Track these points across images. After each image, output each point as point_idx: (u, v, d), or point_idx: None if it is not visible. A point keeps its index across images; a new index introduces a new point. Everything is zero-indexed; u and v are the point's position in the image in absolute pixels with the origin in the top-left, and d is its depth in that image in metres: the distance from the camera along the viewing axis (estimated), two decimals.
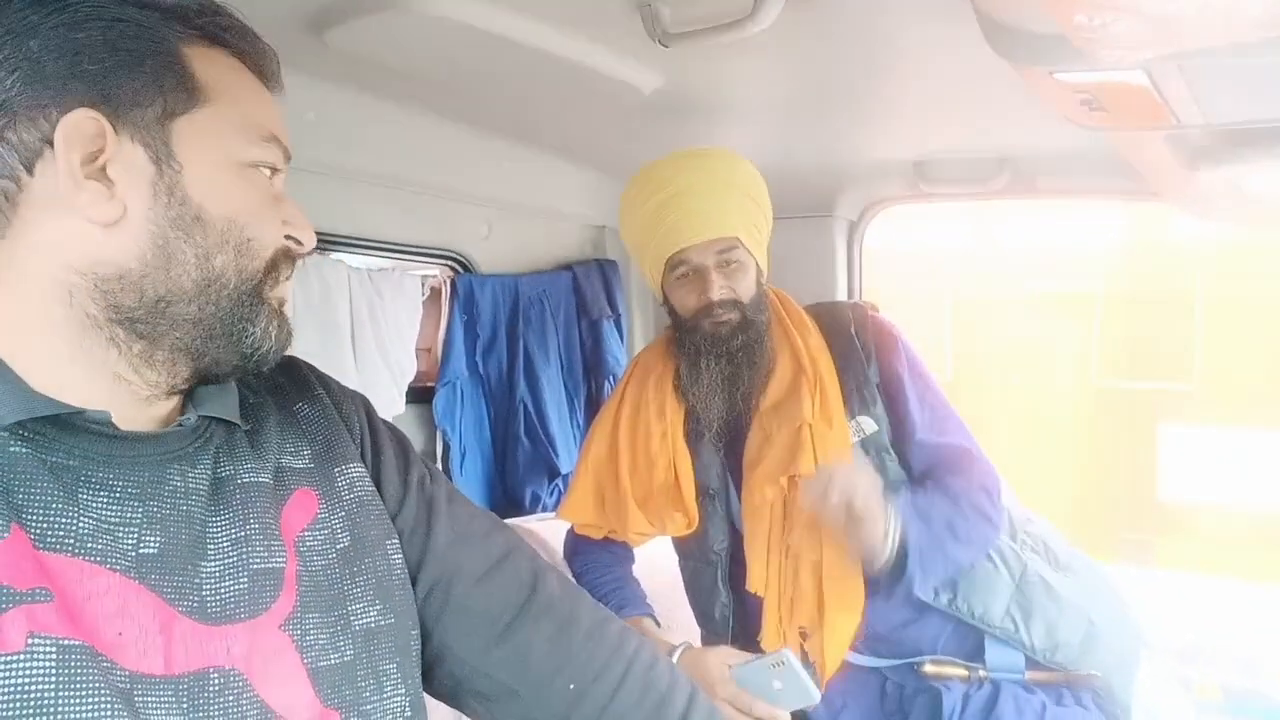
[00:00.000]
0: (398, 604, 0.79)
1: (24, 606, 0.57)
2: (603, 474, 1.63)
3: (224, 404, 0.74)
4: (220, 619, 0.66)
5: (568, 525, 1.70)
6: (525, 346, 2.23)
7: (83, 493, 0.63)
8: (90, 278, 0.64)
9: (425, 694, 0.82)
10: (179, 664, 0.63)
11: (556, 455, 2.23)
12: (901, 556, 1.35)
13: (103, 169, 0.63)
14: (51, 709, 0.56)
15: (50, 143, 0.62)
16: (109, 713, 0.58)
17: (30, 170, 0.63)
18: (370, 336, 1.93)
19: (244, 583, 0.69)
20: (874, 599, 1.43)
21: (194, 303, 0.67)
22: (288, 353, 0.77)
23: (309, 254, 0.77)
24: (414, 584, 0.82)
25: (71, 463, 0.64)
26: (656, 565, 1.69)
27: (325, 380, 0.89)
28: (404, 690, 0.76)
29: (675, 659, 1.36)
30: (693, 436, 1.57)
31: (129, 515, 0.65)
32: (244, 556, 0.70)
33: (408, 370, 2.04)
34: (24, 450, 0.62)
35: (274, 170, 0.73)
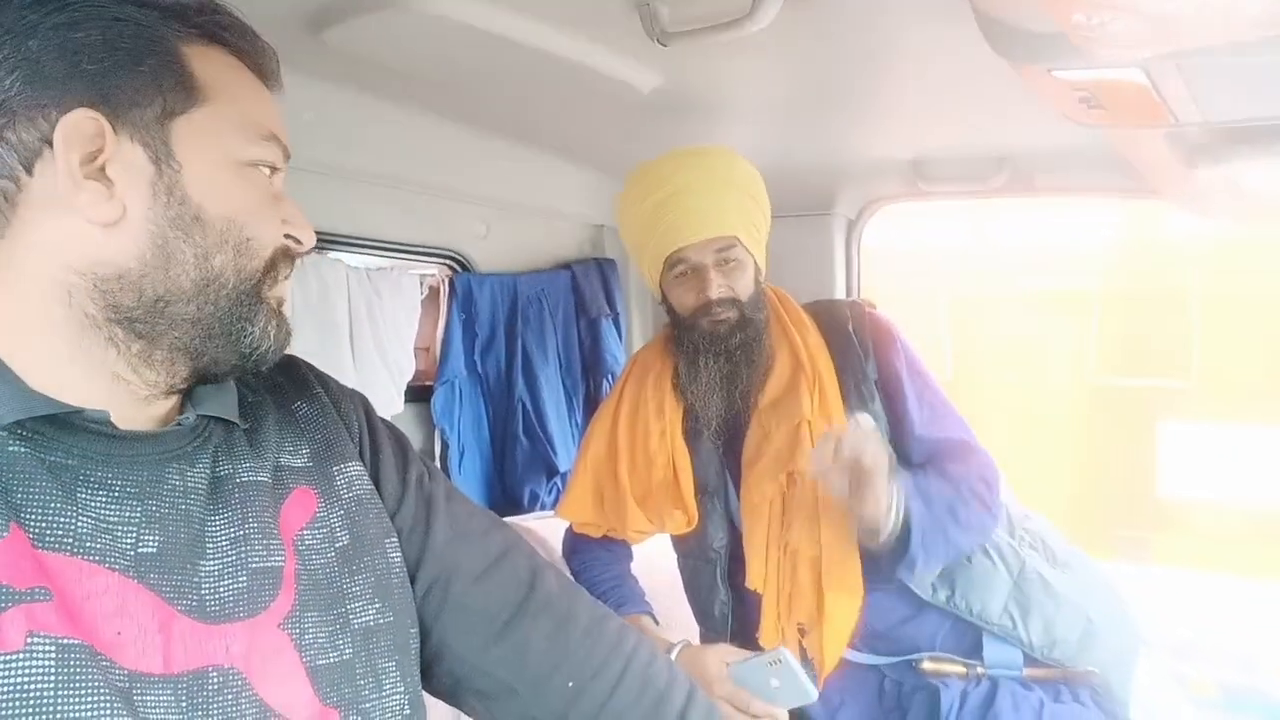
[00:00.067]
0: (396, 602, 0.79)
1: (23, 606, 0.57)
2: (601, 472, 1.63)
3: (223, 403, 0.74)
4: (219, 618, 0.66)
5: (566, 524, 1.70)
6: (524, 345, 2.23)
7: (81, 492, 0.63)
8: (89, 278, 0.64)
9: (424, 692, 0.82)
10: (178, 663, 0.63)
11: (555, 454, 2.23)
12: (904, 534, 1.34)
13: (102, 169, 0.63)
14: (51, 708, 0.56)
15: (49, 143, 0.62)
16: (108, 712, 0.58)
17: (29, 170, 0.63)
18: (368, 335, 1.93)
19: (243, 581, 0.69)
20: (873, 594, 1.43)
21: (193, 302, 0.67)
22: (286, 352, 0.77)
23: (308, 253, 0.77)
24: (413, 582, 0.82)
25: (70, 462, 0.64)
26: (655, 563, 1.69)
27: (324, 379, 0.89)
28: (403, 688, 0.76)
29: (673, 657, 1.35)
30: (691, 434, 1.58)
31: (128, 514, 0.65)
32: (243, 555, 0.70)
33: (406, 369, 2.04)
34: (23, 449, 0.62)
35: (273, 169, 0.73)
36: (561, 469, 2.22)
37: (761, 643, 1.44)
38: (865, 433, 1.30)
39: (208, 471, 0.71)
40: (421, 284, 2.13)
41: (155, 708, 0.61)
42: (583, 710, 0.85)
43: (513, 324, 2.21)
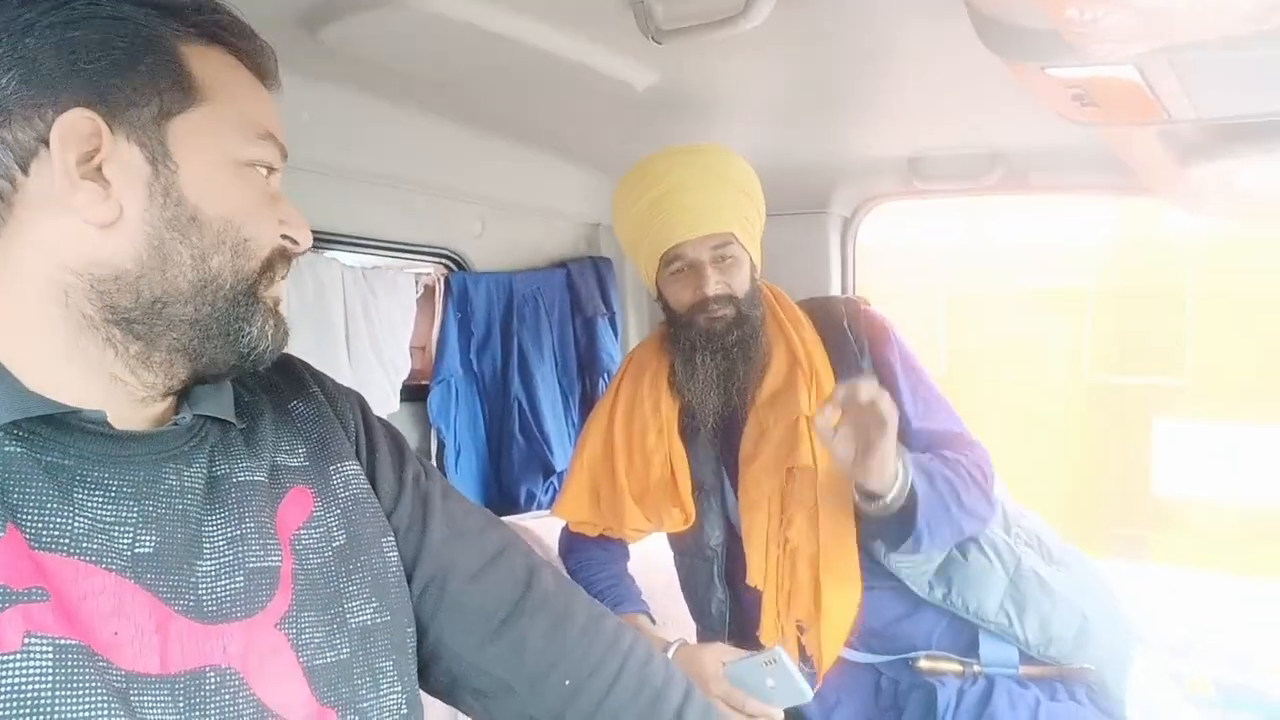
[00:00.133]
0: (393, 601, 0.79)
1: (20, 606, 0.57)
2: (598, 471, 1.63)
3: (219, 403, 0.74)
4: (216, 618, 0.66)
5: (563, 523, 1.70)
6: (519, 344, 2.23)
7: (78, 492, 0.63)
8: (86, 278, 0.64)
9: (421, 691, 0.82)
10: (175, 663, 0.63)
11: (551, 453, 2.23)
12: (911, 505, 1.32)
13: (98, 169, 0.63)
14: (48, 708, 0.56)
15: (46, 142, 0.62)
16: (105, 712, 0.58)
17: (25, 170, 0.63)
18: (364, 334, 1.93)
19: (240, 581, 0.69)
20: (869, 592, 1.43)
21: (190, 303, 0.67)
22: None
23: (304, 253, 0.77)
24: (409, 581, 0.82)
25: (67, 462, 0.64)
26: (652, 562, 1.69)
27: (320, 378, 0.89)
28: (400, 687, 0.76)
29: (670, 655, 1.35)
30: (688, 432, 1.57)
31: (124, 514, 0.65)
32: (240, 555, 0.70)
33: (402, 368, 2.04)
34: (19, 450, 0.62)
35: (270, 169, 0.73)
36: (557, 468, 2.22)
37: (762, 640, 1.44)
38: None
39: (204, 471, 0.71)
40: (417, 283, 2.13)
41: (152, 708, 0.61)
42: (580, 708, 0.85)
43: (508, 323, 2.21)
